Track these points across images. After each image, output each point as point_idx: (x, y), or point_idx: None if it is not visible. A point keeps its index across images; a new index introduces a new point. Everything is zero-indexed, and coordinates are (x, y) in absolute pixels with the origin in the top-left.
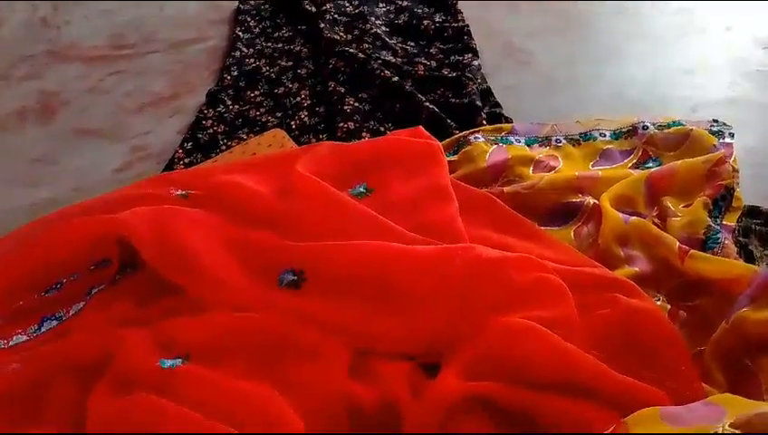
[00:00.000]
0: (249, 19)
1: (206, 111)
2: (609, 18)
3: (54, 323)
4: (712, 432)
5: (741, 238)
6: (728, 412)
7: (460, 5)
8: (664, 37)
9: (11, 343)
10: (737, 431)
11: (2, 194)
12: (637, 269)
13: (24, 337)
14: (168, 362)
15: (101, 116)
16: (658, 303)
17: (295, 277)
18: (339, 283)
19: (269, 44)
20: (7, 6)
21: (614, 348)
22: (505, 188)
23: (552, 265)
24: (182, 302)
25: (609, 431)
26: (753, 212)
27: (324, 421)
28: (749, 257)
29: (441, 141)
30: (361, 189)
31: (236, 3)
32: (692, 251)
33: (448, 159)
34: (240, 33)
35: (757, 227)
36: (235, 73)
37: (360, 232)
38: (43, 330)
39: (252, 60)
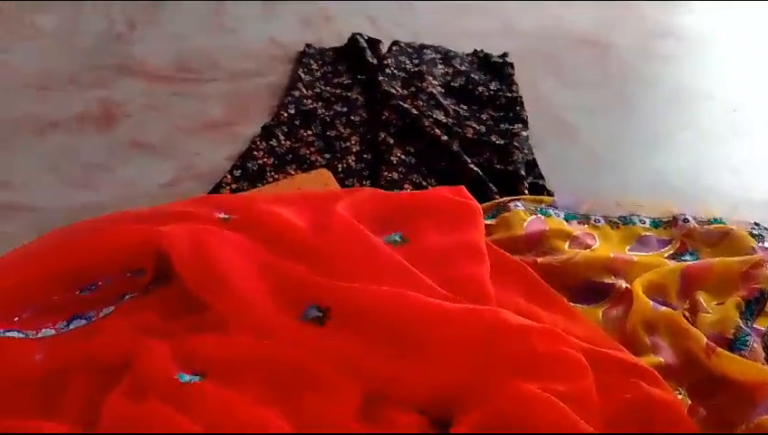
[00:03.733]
0: (312, 62)
1: (258, 143)
2: (661, 104)
3: (83, 322)
4: None
5: None
6: None
7: (516, 77)
8: (712, 132)
9: (39, 335)
10: None
11: (54, 192)
12: (661, 360)
13: (53, 331)
14: (187, 377)
15: (157, 132)
16: (679, 396)
17: (320, 313)
18: (362, 325)
19: (328, 88)
20: (88, 18)
21: (628, 432)
22: (539, 259)
23: (577, 341)
24: (207, 320)
25: None
26: None
27: None
28: None
29: (481, 204)
30: (396, 238)
31: (303, 45)
32: (719, 349)
33: (486, 222)
34: (302, 74)
35: None
36: (292, 111)
37: (390, 279)
38: (71, 327)
39: (309, 101)
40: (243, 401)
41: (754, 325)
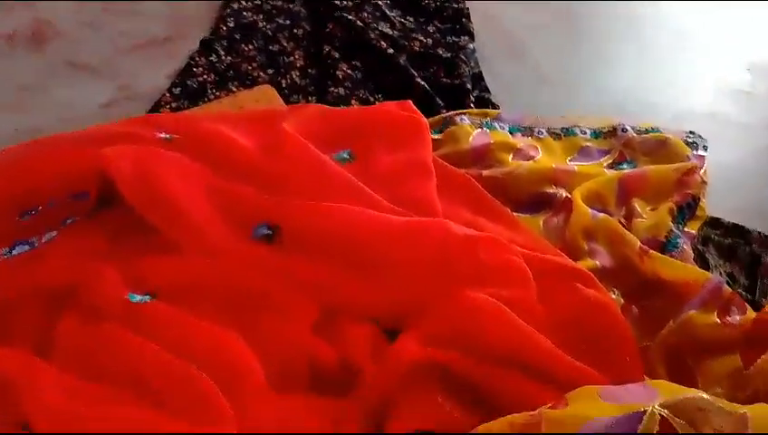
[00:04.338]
0: None
1: (197, 59)
2: (608, 22)
3: (26, 247)
4: (642, 410)
5: (700, 246)
6: (660, 394)
7: None
8: (657, 48)
9: None
10: (664, 411)
11: None
12: (598, 263)
13: None
14: (138, 298)
15: (92, 51)
16: (614, 297)
17: (270, 231)
18: (312, 242)
19: (269, 0)
20: None
21: (567, 333)
22: (484, 172)
23: (520, 249)
24: (155, 241)
25: (548, 405)
26: (714, 223)
27: (285, 373)
28: (705, 265)
29: (428, 118)
30: (345, 155)
31: None
32: (651, 251)
33: (433, 136)
34: None
35: (716, 238)
36: (231, 25)
37: (339, 196)
38: (14, 253)
39: (249, 13)
40: (197, 320)
41: (686, 229)
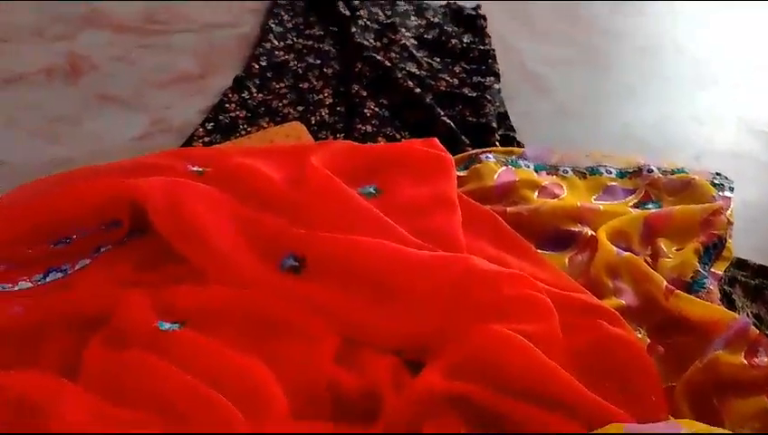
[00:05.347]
0: (283, 13)
1: (230, 95)
2: (630, 57)
3: (59, 275)
4: None
5: (726, 287)
6: (687, 432)
7: (488, 30)
8: (679, 82)
9: (15, 288)
10: None
11: (22, 147)
12: (623, 302)
13: (29, 284)
14: (167, 325)
15: (126, 85)
16: (639, 335)
17: (297, 263)
18: (337, 273)
19: (300, 40)
20: None
21: (591, 370)
22: (509, 208)
23: (543, 285)
24: (184, 271)
25: None
26: (741, 264)
27: (308, 401)
28: (731, 306)
29: (453, 156)
30: (371, 190)
31: None
32: (677, 291)
33: (458, 173)
34: (273, 26)
35: (743, 279)
36: (264, 63)
37: (365, 229)
38: (47, 280)
39: (281, 53)
40: (223, 348)
41: (712, 269)
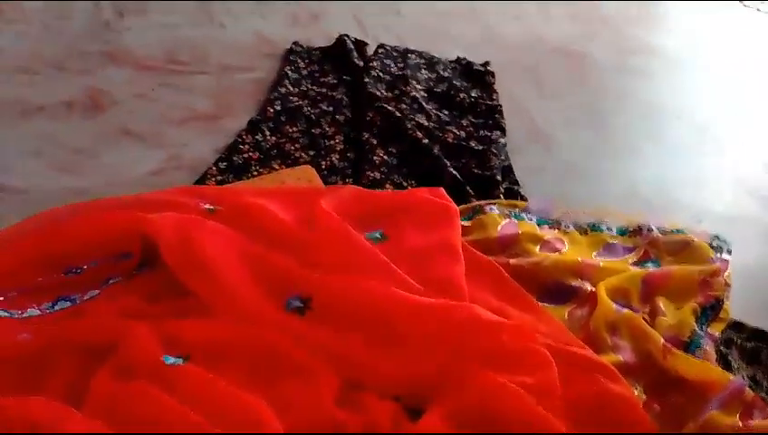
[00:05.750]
0: (299, 60)
1: (244, 137)
2: (634, 118)
3: (68, 304)
4: None
5: (722, 348)
6: None
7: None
8: (678, 143)
9: (24, 315)
10: None
11: (41, 176)
12: (621, 358)
13: (37, 311)
14: (171, 359)
15: (145, 122)
16: (636, 392)
17: (301, 304)
18: (341, 316)
19: (314, 87)
20: (77, 5)
21: (588, 423)
22: (511, 260)
23: (543, 338)
24: (191, 305)
25: None
26: (737, 326)
27: None
28: (727, 367)
29: (458, 206)
30: (377, 235)
31: (290, 43)
32: (674, 350)
33: (462, 223)
34: (289, 72)
35: (739, 341)
36: (278, 108)
37: (370, 273)
38: (56, 308)
39: (296, 98)
40: (226, 384)
41: (708, 330)
